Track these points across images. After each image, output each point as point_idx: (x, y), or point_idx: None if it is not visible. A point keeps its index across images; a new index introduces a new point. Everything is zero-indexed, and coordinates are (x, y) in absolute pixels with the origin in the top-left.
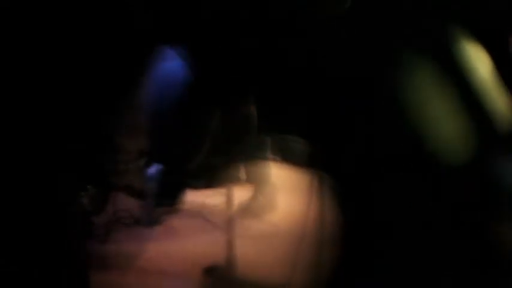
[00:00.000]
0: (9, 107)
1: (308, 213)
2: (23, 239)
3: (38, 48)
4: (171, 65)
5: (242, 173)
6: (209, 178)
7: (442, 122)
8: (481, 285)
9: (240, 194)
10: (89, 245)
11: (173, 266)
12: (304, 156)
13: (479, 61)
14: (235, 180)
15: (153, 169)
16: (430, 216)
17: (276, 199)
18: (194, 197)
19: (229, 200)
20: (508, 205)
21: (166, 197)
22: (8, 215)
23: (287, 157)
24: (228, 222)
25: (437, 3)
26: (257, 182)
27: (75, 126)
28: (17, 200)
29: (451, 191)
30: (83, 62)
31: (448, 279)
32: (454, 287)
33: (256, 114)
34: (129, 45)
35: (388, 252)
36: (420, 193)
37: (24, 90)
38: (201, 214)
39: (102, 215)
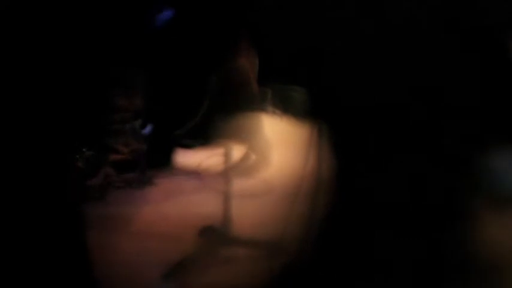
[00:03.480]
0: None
1: (305, 167)
2: (19, 202)
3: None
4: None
5: (236, 131)
6: (206, 138)
7: None
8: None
9: (234, 153)
10: (85, 207)
11: (168, 228)
12: (304, 105)
13: None
14: (231, 140)
15: (149, 129)
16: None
17: (271, 156)
18: (190, 158)
19: (226, 159)
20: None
21: (162, 157)
22: (4, 177)
23: (287, 107)
24: (224, 182)
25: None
26: (250, 141)
27: (70, 88)
28: (13, 164)
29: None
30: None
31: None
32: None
33: (257, 64)
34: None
35: (384, 206)
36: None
37: (23, 55)
38: (196, 175)
39: (98, 177)
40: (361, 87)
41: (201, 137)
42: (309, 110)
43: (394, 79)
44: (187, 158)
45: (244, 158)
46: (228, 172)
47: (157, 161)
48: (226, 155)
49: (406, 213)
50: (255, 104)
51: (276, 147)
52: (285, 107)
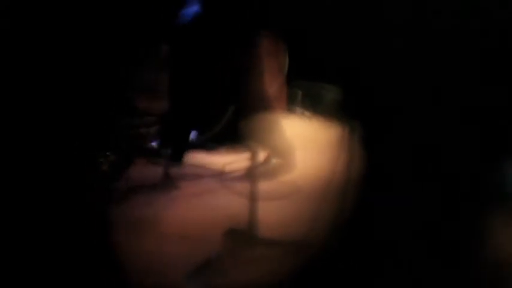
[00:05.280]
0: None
1: (334, 167)
2: (44, 203)
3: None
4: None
5: (260, 134)
6: (231, 142)
7: None
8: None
9: (259, 155)
10: (110, 210)
11: (194, 230)
12: (334, 104)
13: None
14: (256, 142)
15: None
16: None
17: (294, 160)
18: (215, 160)
19: (251, 162)
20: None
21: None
22: (30, 179)
23: (317, 107)
24: (249, 184)
25: None
26: (273, 144)
27: (94, 92)
28: (37, 166)
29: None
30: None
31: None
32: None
33: (287, 63)
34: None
35: (411, 206)
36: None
37: (46, 58)
38: (221, 177)
39: (122, 181)
40: (396, 86)
41: (226, 140)
42: (341, 108)
43: (427, 79)
44: (212, 160)
45: (267, 160)
46: (253, 174)
47: (181, 164)
48: (252, 158)
49: (429, 214)
50: (281, 105)
51: (304, 149)
52: (315, 107)
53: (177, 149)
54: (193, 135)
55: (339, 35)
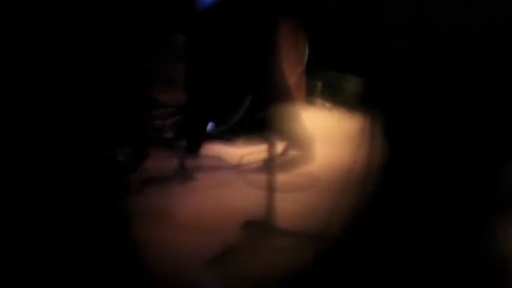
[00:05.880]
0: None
1: (354, 159)
2: (58, 193)
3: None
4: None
5: (278, 128)
6: (248, 133)
7: None
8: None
9: (277, 147)
10: (126, 201)
11: (210, 221)
12: (355, 96)
13: None
14: (274, 134)
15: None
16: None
17: (313, 152)
18: (232, 152)
19: (269, 155)
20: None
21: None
22: (44, 168)
23: (337, 98)
24: (267, 176)
25: None
26: (292, 136)
27: (110, 82)
28: (52, 156)
29: None
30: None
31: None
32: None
33: (307, 52)
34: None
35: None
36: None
37: (62, 49)
38: (238, 170)
39: (138, 172)
40: (417, 76)
41: (243, 131)
42: (362, 100)
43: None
44: (229, 152)
45: (285, 152)
46: (270, 166)
47: (197, 155)
48: (269, 149)
49: (433, 213)
50: (301, 96)
51: (324, 140)
52: (335, 98)
53: (193, 140)
54: (210, 126)
55: (359, 24)
